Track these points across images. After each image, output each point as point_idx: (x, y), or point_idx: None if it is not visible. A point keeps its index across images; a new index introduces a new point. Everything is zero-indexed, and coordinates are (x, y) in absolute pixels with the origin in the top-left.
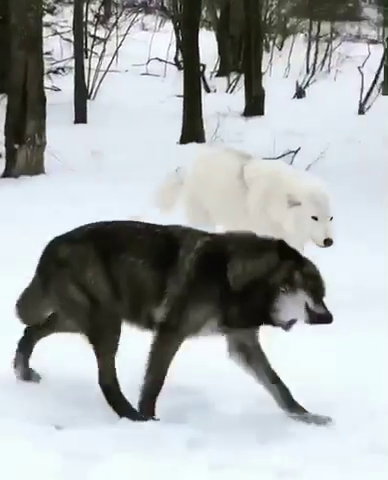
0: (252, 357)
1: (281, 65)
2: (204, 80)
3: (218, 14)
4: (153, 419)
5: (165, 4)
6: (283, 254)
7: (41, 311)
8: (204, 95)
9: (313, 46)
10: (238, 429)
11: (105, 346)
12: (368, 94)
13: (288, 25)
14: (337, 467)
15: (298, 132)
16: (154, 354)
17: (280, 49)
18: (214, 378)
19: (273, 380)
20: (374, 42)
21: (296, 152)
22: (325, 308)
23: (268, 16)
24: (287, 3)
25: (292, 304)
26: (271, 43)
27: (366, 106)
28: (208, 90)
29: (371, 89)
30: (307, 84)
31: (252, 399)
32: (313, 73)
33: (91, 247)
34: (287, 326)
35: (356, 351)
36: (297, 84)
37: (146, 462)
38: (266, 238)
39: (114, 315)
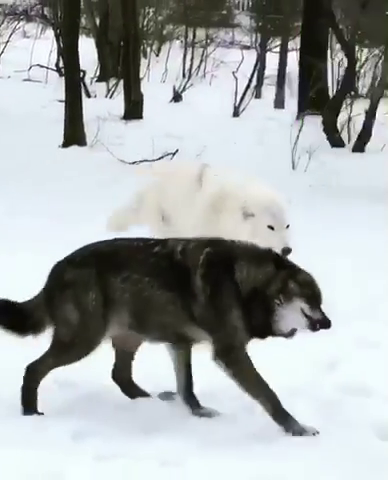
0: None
1: (159, 70)
2: (84, 85)
3: (97, 22)
4: (296, 428)
5: (46, 12)
6: (278, 264)
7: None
8: (85, 100)
9: (189, 52)
10: (123, 421)
11: (63, 358)
12: (242, 97)
13: (165, 32)
14: (220, 457)
15: (176, 134)
16: (241, 379)
17: (157, 55)
18: (100, 371)
19: (185, 374)
20: (247, 48)
21: (174, 154)
22: (322, 313)
23: (145, 23)
24: (164, 11)
25: (290, 313)
26: (149, 49)
27: (240, 109)
28: (89, 95)
29: (244, 93)
30: (184, 88)
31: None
32: (189, 78)
33: (94, 270)
34: (289, 335)
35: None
36: (174, 88)
37: (31, 454)
38: (263, 248)
39: (91, 343)
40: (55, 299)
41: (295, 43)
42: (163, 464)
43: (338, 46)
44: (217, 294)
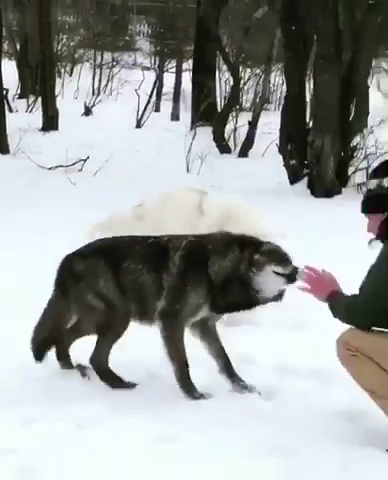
0: (208, 333)
1: (71, 89)
2: (7, 102)
3: (18, 47)
4: (195, 395)
5: None
6: (242, 246)
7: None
8: (8, 114)
9: (97, 72)
10: (45, 389)
11: (110, 337)
12: (143, 111)
13: (76, 55)
14: (129, 419)
15: (88, 144)
16: (167, 342)
17: (70, 75)
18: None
19: (219, 355)
20: (147, 69)
21: (85, 160)
22: (294, 266)
23: (60, 47)
24: (75, 37)
25: (266, 279)
26: (62, 70)
27: (142, 121)
28: (11, 110)
29: (145, 107)
30: (93, 104)
31: (56, 364)
32: (98, 95)
33: (101, 260)
34: (276, 298)
35: None
36: (85, 104)
37: None
38: (231, 235)
39: (124, 314)
40: (71, 293)
41: (188, 64)
42: (80, 426)
43: (225, 67)
44: (187, 271)
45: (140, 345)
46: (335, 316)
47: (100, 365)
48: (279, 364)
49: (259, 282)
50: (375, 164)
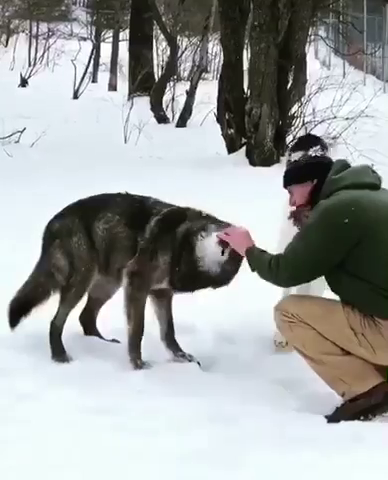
0: (163, 298)
1: (7, 59)
2: None
3: None
4: (138, 362)
5: None
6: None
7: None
8: None
9: (34, 43)
10: None
11: (69, 301)
12: (80, 82)
13: (12, 26)
14: (73, 389)
15: (24, 115)
16: (128, 301)
17: (6, 46)
18: None
19: (166, 321)
20: (84, 39)
21: (22, 132)
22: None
23: None
24: (10, 7)
25: (203, 243)
26: None
27: (79, 92)
28: None
29: (82, 78)
30: (30, 75)
31: None
32: (34, 65)
33: (76, 219)
34: (224, 253)
35: None
36: (21, 75)
37: None
38: (198, 211)
39: (86, 280)
40: (48, 251)
41: (125, 34)
42: (20, 398)
43: (162, 36)
44: (159, 237)
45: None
46: (253, 270)
47: (55, 328)
48: (217, 332)
49: (202, 244)
50: (314, 132)
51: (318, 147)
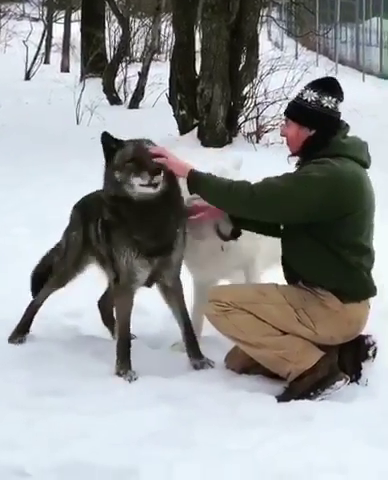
0: (171, 298)
1: None
2: None
3: None
4: (120, 371)
5: None
6: None
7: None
8: None
9: None
10: None
11: (51, 283)
12: (32, 63)
13: None
14: (20, 371)
15: None
16: (115, 306)
17: None
18: None
19: (182, 321)
20: (36, 20)
21: None
22: None
23: None
24: None
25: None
26: None
27: (31, 73)
28: None
29: (34, 59)
30: None
31: None
32: None
33: (79, 213)
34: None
35: None
36: None
37: None
38: None
39: (68, 269)
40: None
41: (77, 15)
42: None
43: (114, 17)
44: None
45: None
46: (200, 190)
47: (30, 307)
48: (165, 313)
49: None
50: (265, 113)
51: (334, 99)
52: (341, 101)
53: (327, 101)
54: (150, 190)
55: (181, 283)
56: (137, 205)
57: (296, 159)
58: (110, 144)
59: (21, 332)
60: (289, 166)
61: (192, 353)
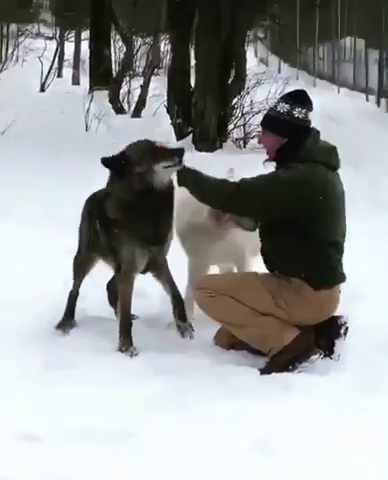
0: (161, 273)
1: None
2: None
3: None
4: (123, 348)
5: None
6: None
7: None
8: None
9: (4, 42)
10: None
11: (74, 273)
12: (46, 77)
13: None
14: (34, 345)
15: None
16: (118, 291)
17: None
18: None
19: (171, 293)
20: (50, 38)
21: None
22: None
23: None
24: None
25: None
26: None
27: (45, 86)
28: None
29: (48, 73)
30: (1, 70)
31: None
32: (5, 62)
33: (87, 208)
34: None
35: None
36: None
37: None
38: None
39: (85, 260)
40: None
41: (86, 34)
42: None
43: (119, 36)
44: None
45: None
46: (188, 184)
47: (69, 298)
48: (163, 297)
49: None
50: (252, 121)
51: (304, 110)
52: (311, 111)
53: (298, 112)
54: (176, 168)
55: (166, 260)
56: (158, 193)
57: (273, 164)
58: (116, 163)
59: (68, 320)
60: (271, 169)
61: (178, 314)
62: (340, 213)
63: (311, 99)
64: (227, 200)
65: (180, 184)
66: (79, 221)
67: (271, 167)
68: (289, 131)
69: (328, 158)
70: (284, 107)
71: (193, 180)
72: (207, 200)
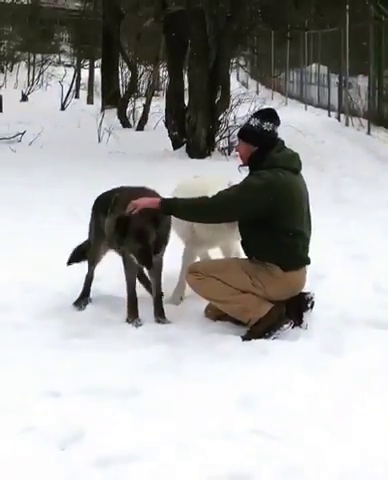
0: (152, 273)
1: (12, 81)
2: None
3: None
4: (129, 319)
5: None
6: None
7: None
8: None
9: (31, 69)
10: None
11: (89, 261)
12: (66, 97)
13: (15, 56)
14: (56, 320)
15: (25, 121)
16: (125, 275)
17: (11, 71)
18: None
19: (155, 293)
20: (69, 66)
21: (23, 133)
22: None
23: (2, 50)
24: (13, 42)
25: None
26: (5, 67)
27: (65, 105)
28: None
29: (68, 95)
30: (29, 92)
31: None
32: (32, 85)
33: (96, 205)
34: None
35: None
36: (22, 92)
37: None
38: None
39: (96, 250)
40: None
41: (99, 62)
42: (16, 327)
43: (125, 64)
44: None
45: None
46: (172, 212)
47: (86, 280)
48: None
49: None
50: (235, 133)
51: (272, 124)
52: (278, 125)
53: (266, 126)
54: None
55: (161, 262)
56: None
57: (246, 168)
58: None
59: (84, 298)
60: (244, 173)
61: (157, 312)
62: (304, 208)
63: (278, 116)
64: (212, 213)
65: (166, 214)
66: (90, 217)
67: (244, 171)
68: (258, 141)
69: (290, 163)
70: (255, 121)
71: (182, 205)
72: (196, 219)
